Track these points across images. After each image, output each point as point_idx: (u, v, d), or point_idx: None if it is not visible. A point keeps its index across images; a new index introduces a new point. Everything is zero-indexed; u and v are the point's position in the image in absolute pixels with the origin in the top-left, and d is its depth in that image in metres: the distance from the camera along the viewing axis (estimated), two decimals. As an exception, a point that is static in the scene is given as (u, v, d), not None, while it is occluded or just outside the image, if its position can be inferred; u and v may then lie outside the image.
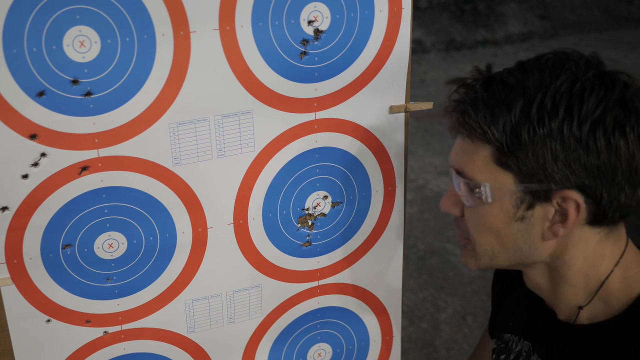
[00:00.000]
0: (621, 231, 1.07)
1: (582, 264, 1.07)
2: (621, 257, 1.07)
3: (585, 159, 0.98)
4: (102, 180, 1.11)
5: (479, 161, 1.03)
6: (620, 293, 1.07)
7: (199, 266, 1.23)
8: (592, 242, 1.05)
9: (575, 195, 1.00)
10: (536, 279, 1.12)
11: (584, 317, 1.10)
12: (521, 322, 1.23)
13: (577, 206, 1.00)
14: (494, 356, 1.28)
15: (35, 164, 1.07)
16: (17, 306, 1.14)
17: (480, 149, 1.03)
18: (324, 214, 1.29)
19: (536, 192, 1.01)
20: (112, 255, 1.17)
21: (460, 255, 1.16)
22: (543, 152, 0.98)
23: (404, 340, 3.11)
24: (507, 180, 1.02)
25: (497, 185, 1.03)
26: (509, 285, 1.29)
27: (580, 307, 1.10)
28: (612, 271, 1.07)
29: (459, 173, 1.06)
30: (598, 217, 1.02)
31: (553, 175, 0.99)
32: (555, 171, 0.99)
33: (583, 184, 0.99)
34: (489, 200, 1.04)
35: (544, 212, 1.03)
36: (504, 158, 1.01)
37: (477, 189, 1.04)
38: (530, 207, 1.03)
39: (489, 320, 1.38)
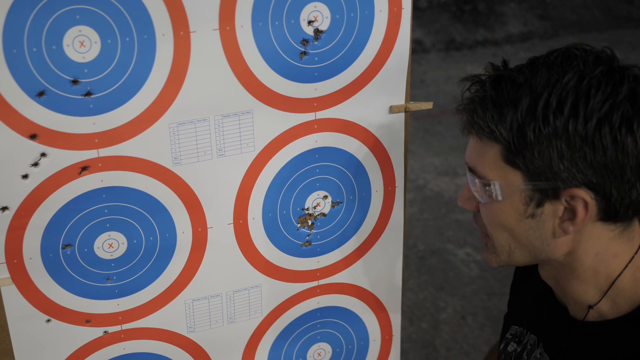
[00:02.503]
0: (635, 229, 1.06)
1: (593, 260, 1.06)
2: (633, 256, 1.06)
3: (592, 157, 0.97)
4: (102, 180, 1.11)
5: (489, 159, 1.04)
6: (629, 293, 1.06)
7: (199, 266, 1.23)
8: (604, 238, 1.04)
9: (583, 194, 0.99)
10: (550, 271, 1.13)
11: (593, 315, 1.10)
12: (531, 316, 1.23)
13: (586, 204, 1.00)
14: (501, 346, 1.27)
15: (35, 164, 1.07)
16: (17, 306, 1.14)
17: (490, 148, 1.03)
18: (323, 214, 1.29)
19: (544, 190, 1.01)
20: (112, 255, 1.17)
21: (482, 252, 1.15)
22: (549, 151, 0.98)
23: (403, 340, 3.11)
24: (516, 179, 1.02)
25: (507, 183, 1.03)
26: (523, 281, 1.29)
27: (590, 307, 1.09)
28: (623, 270, 1.06)
29: (472, 170, 1.07)
30: (609, 214, 1.01)
31: (560, 174, 0.98)
32: (561, 170, 0.98)
33: (591, 182, 0.98)
34: (499, 197, 1.04)
35: (553, 209, 1.02)
36: (512, 157, 1.01)
37: (488, 187, 1.04)
38: (540, 204, 1.02)
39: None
